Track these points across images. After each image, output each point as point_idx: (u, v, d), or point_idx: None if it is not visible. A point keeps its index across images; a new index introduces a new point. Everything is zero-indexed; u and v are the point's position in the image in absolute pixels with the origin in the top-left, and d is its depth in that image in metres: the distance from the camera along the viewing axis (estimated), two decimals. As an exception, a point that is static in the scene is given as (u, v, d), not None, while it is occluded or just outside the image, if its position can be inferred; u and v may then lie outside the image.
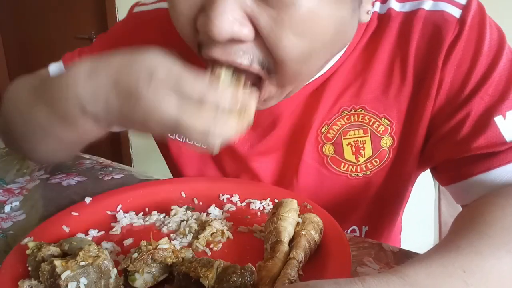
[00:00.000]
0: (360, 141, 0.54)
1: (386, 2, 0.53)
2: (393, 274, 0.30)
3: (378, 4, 0.53)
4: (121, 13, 2.25)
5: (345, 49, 0.52)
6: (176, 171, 0.67)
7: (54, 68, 0.66)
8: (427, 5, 0.50)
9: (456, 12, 0.49)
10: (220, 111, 0.38)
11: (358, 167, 0.56)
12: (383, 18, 0.52)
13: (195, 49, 0.45)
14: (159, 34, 0.62)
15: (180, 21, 0.43)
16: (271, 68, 0.43)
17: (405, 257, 0.46)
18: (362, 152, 0.55)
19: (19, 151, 0.63)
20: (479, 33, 0.48)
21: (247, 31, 0.39)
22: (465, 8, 0.49)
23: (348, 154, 0.55)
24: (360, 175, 0.56)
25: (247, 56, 0.41)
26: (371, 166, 0.56)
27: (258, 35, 0.40)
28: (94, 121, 0.43)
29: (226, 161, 0.62)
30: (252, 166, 0.60)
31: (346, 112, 0.54)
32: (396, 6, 0.52)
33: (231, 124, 0.39)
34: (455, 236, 0.37)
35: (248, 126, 0.41)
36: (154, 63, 0.39)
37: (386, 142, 0.54)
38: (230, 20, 0.38)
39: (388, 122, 0.53)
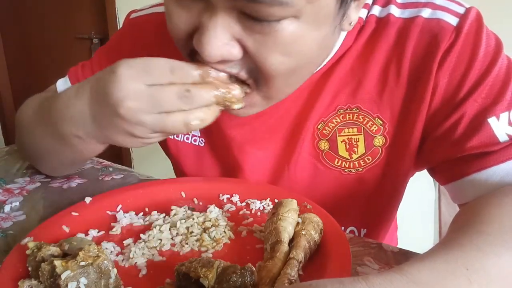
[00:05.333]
0: (354, 138, 0.56)
1: (386, 6, 0.54)
2: (397, 272, 0.30)
3: (377, 8, 0.54)
4: (121, 13, 2.25)
5: (337, 48, 0.54)
6: (177, 167, 0.69)
7: (61, 83, 0.69)
8: (426, 13, 0.52)
9: (453, 21, 0.50)
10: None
11: (351, 163, 0.58)
12: (381, 22, 0.54)
13: (187, 56, 0.48)
14: (156, 36, 0.64)
15: (175, 34, 0.46)
16: (258, 79, 0.46)
17: (405, 257, 0.46)
18: (356, 149, 0.57)
19: (33, 164, 0.69)
20: (475, 40, 0.49)
21: (236, 52, 0.43)
22: (462, 17, 0.50)
23: (342, 150, 0.57)
24: (353, 171, 0.58)
25: (236, 67, 0.45)
26: (363, 163, 0.57)
27: (247, 53, 0.43)
28: (86, 138, 0.48)
29: (223, 153, 0.63)
30: (248, 158, 0.61)
31: (342, 110, 0.56)
32: (396, 12, 0.53)
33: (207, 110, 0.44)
34: (456, 234, 0.37)
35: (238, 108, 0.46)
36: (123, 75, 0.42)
37: (379, 141, 0.56)
38: (220, 45, 0.41)
39: (381, 122, 0.55)
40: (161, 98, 0.42)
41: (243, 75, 0.45)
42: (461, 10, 0.51)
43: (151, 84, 0.42)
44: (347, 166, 0.58)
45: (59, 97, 0.50)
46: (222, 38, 0.41)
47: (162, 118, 0.42)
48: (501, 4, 1.37)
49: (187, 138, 0.65)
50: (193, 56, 0.46)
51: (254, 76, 0.46)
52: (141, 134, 0.44)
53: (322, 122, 0.57)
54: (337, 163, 0.58)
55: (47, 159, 0.62)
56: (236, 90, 0.45)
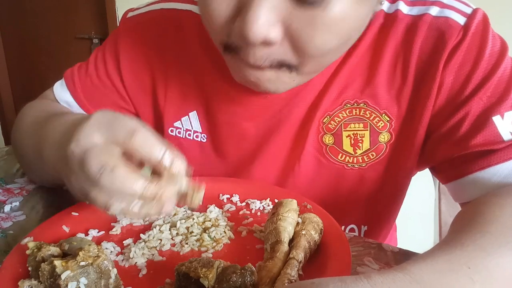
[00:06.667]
0: (359, 134, 0.56)
1: (395, 2, 0.55)
2: (399, 271, 0.30)
3: (386, 3, 0.55)
4: (121, 13, 2.25)
5: None
6: None
7: (58, 86, 0.68)
8: (434, 11, 0.52)
9: (461, 20, 0.51)
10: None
11: (355, 158, 0.58)
12: (389, 18, 0.54)
13: (221, 48, 0.47)
14: (154, 34, 0.64)
15: (214, 20, 0.44)
16: (292, 65, 0.45)
17: (405, 257, 0.46)
18: (360, 144, 0.57)
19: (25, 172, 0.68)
20: (481, 40, 0.50)
21: (277, 34, 0.41)
22: (470, 17, 0.51)
23: (346, 145, 0.57)
24: (356, 166, 0.58)
25: (270, 59, 0.44)
26: (367, 159, 0.57)
27: (285, 37, 0.42)
28: (54, 166, 0.45)
29: (232, 147, 0.63)
30: (264, 150, 0.61)
31: (348, 105, 0.56)
32: (404, 8, 0.54)
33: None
34: (458, 234, 0.37)
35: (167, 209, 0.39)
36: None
37: (384, 137, 0.56)
38: (265, 24, 0.40)
39: (388, 119, 0.55)
40: (93, 156, 0.37)
41: (274, 66, 0.44)
42: (468, 10, 0.52)
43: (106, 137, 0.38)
44: (350, 161, 0.58)
45: (53, 119, 0.49)
46: (268, 17, 0.40)
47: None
48: (503, 5, 1.37)
49: (189, 135, 0.65)
50: (230, 49, 0.45)
51: (287, 64, 0.45)
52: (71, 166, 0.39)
53: (328, 116, 0.57)
54: (340, 157, 0.58)
55: (32, 171, 0.62)
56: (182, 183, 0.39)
